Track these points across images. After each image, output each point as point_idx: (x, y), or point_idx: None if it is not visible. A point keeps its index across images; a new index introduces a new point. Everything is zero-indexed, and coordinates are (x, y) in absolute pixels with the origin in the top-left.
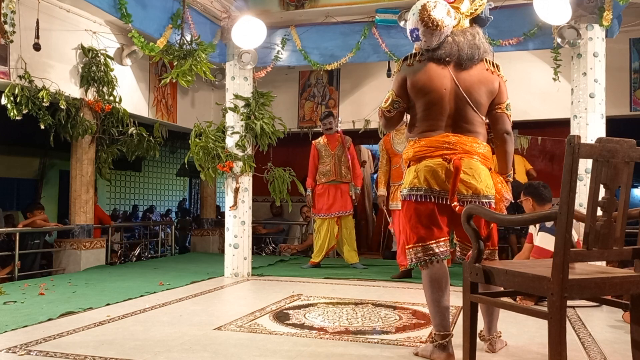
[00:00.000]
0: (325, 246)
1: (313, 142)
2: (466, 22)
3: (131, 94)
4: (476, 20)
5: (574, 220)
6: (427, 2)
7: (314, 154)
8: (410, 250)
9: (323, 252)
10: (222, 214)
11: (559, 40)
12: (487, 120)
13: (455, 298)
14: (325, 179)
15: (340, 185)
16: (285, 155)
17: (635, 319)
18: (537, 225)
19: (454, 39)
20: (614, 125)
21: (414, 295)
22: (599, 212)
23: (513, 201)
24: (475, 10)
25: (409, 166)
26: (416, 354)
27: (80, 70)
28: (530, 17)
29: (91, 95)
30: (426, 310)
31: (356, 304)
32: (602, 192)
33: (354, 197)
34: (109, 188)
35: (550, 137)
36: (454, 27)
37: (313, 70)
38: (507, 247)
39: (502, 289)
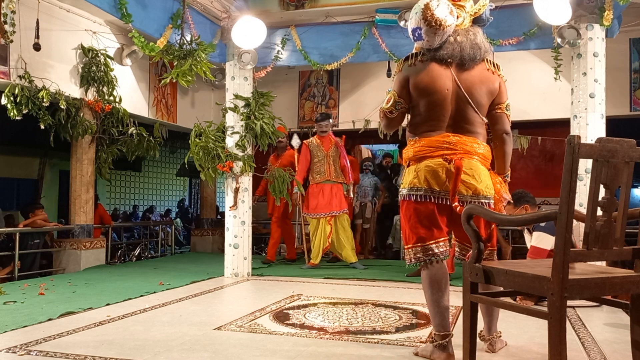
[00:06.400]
0: (321, 246)
1: (304, 141)
2: (467, 22)
3: (131, 94)
4: (476, 20)
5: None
6: (430, 0)
7: (306, 153)
8: (410, 250)
9: (321, 253)
10: (222, 214)
11: (559, 40)
12: (486, 120)
13: (455, 298)
14: (320, 177)
15: (334, 185)
16: None
17: (635, 319)
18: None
19: (455, 39)
20: (614, 125)
21: (414, 295)
22: (599, 212)
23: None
24: (479, 9)
25: (408, 166)
26: (416, 354)
27: (80, 70)
28: (530, 17)
29: (91, 95)
30: (426, 310)
31: (356, 304)
32: (602, 192)
33: (347, 196)
34: (109, 188)
35: (550, 137)
36: (457, 26)
37: (313, 70)
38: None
39: (502, 289)
